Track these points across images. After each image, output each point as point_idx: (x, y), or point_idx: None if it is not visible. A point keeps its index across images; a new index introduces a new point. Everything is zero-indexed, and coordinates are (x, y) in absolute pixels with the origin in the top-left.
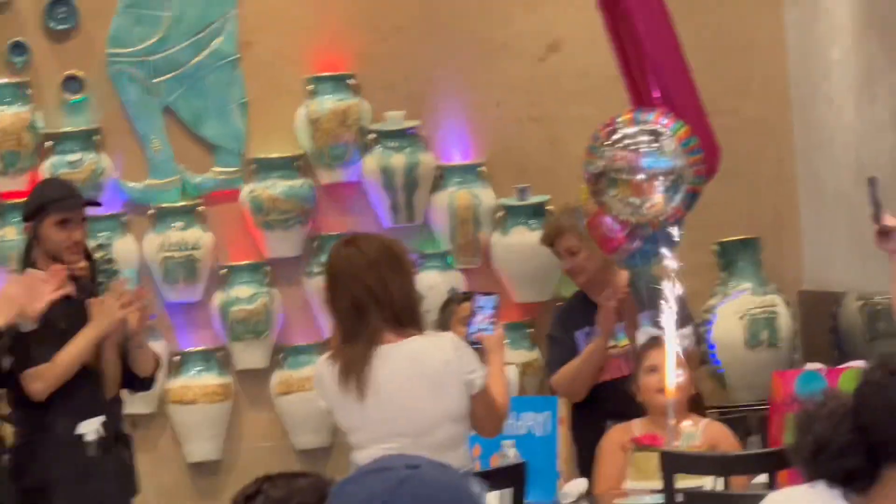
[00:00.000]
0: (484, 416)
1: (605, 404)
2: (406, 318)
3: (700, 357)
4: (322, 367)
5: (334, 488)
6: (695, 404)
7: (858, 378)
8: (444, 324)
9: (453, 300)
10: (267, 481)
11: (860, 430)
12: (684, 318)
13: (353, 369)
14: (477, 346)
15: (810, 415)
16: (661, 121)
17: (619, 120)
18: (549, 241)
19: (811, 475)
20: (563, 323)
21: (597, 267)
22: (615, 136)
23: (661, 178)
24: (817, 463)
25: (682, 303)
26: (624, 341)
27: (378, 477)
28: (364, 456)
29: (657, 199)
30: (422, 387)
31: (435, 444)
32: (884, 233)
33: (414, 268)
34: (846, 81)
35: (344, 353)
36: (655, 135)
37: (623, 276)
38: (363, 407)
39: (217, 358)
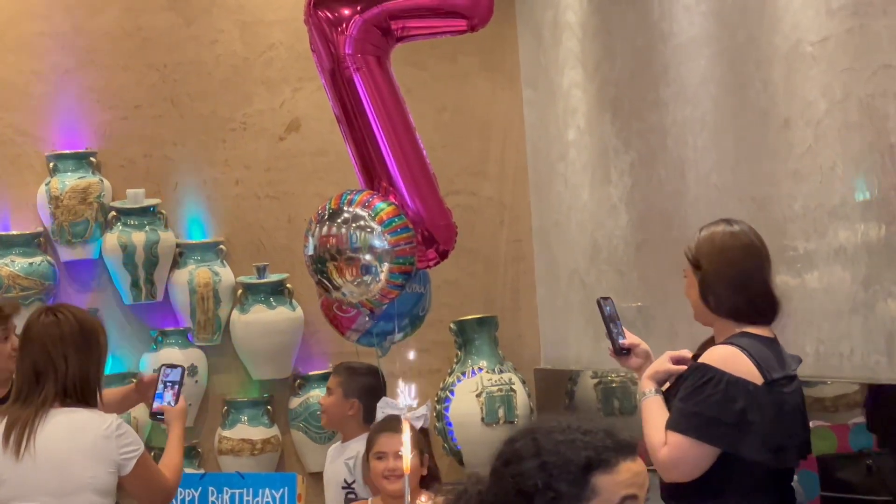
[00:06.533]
0: (143, 493)
1: None
2: (76, 394)
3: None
4: None
5: None
6: (430, 482)
7: (489, 463)
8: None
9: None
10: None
11: None
12: None
13: (16, 428)
14: (160, 416)
15: None
16: (366, 201)
17: (328, 203)
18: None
19: None
20: None
21: None
22: (324, 219)
23: (364, 258)
24: None
25: None
26: None
27: None
28: None
29: (363, 279)
30: (74, 453)
31: None
32: (621, 352)
33: (102, 347)
34: (581, 162)
35: (12, 412)
36: (359, 216)
37: None
38: (16, 465)
39: None
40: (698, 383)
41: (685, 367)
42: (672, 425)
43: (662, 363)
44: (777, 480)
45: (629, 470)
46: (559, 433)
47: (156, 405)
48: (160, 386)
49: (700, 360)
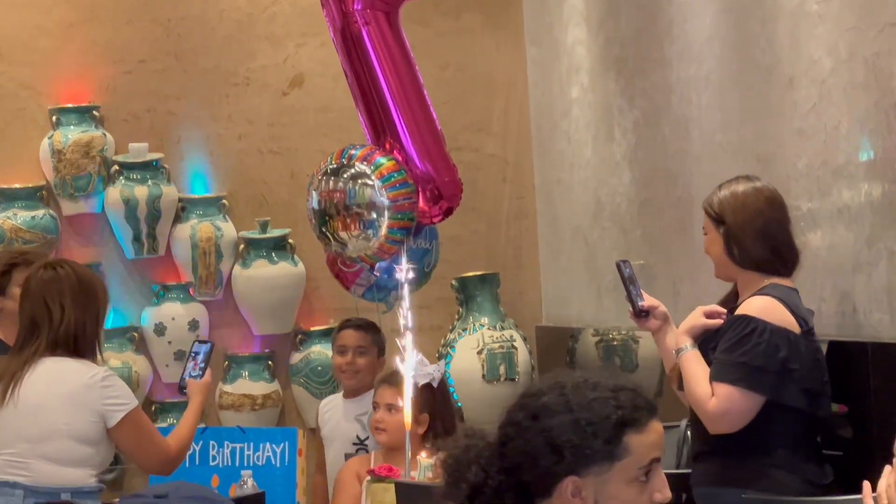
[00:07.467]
0: (136, 452)
1: None
2: (69, 345)
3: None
4: None
5: None
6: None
7: (502, 416)
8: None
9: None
10: None
11: (507, 471)
12: None
13: (4, 378)
14: (185, 390)
15: (459, 460)
16: (367, 156)
17: (330, 157)
18: None
19: None
20: None
21: None
22: (326, 173)
23: (363, 213)
24: None
25: None
26: None
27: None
28: None
29: (365, 233)
30: (51, 398)
31: (49, 453)
32: (641, 314)
33: (101, 302)
34: (584, 119)
35: (5, 363)
36: (360, 171)
37: None
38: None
39: None
40: (742, 334)
41: (720, 322)
42: (719, 376)
43: (697, 318)
44: (811, 430)
45: (656, 430)
46: (589, 390)
47: (183, 378)
48: (188, 360)
49: (738, 311)
